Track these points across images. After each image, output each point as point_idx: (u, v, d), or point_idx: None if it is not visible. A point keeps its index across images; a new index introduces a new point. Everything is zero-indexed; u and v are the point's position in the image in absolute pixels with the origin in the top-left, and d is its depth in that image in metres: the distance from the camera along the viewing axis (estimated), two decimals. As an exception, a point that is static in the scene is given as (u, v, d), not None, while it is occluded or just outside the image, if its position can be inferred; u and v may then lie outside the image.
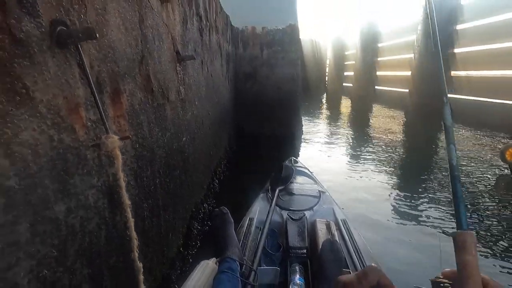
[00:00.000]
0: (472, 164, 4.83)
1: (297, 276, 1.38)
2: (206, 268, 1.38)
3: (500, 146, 5.26)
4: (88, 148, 0.93)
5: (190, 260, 2.14)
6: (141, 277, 1.08)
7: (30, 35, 0.72)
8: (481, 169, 4.61)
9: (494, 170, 4.59)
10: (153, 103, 1.52)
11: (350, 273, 1.33)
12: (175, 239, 1.93)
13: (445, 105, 0.73)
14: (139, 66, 1.34)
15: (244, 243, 1.59)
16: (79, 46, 0.85)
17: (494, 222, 3.01)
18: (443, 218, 3.06)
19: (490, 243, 2.65)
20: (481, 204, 3.48)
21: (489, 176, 4.37)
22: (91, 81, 0.88)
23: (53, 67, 0.79)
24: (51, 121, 0.77)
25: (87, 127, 0.92)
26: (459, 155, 5.30)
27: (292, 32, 6.31)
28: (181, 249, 2.03)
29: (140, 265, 1.07)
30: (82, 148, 0.90)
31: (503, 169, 4.49)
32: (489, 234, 2.80)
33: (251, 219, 1.80)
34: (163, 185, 1.68)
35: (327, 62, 20.76)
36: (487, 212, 3.27)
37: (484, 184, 4.06)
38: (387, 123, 8.57)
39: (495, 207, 3.41)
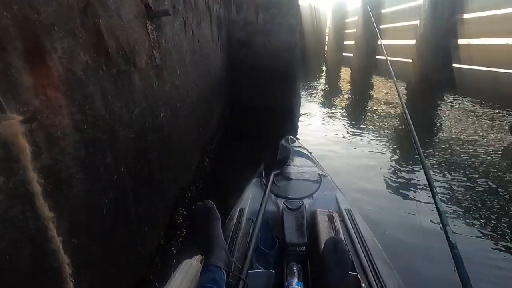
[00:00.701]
0: (476, 139, 4.58)
1: (295, 279, 1.15)
2: (190, 268, 1.16)
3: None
4: (-18, 134, 0.61)
5: (174, 251, 1.91)
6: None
7: None
8: (486, 144, 4.37)
9: (499, 144, 4.36)
10: (111, 70, 1.18)
11: (358, 276, 1.08)
12: (154, 232, 1.67)
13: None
14: (82, 16, 0.98)
15: (233, 239, 1.34)
16: None
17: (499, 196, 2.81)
18: (447, 196, 2.84)
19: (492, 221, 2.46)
20: (486, 177, 3.28)
21: (495, 150, 4.15)
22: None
23: None
24: None
25: (-27, 103, 0.60)
26: (464, 130, 5.02)
27: (290, -7, 5.71)
28: (162, 241, 1.78)
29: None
30: (-34, 136, 0.58)
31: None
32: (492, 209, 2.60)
33: (241, 210, 1.54)
34: (132, 172, 1.38)
35: (327, 30, 19.76)
36: (492, 185, 3.07)
37: (489, 159, 3.84)
38: (387, 96, 8.17)
39: (500, 180, 3.22)
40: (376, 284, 1.11)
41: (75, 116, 0.94)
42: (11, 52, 0.69)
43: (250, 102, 5.95)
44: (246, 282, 1.03)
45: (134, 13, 1.39)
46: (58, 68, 0.85)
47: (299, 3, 6.34)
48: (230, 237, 1.34)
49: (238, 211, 1.53)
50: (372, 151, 4.12)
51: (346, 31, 17.24)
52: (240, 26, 5.74)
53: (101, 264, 1.09)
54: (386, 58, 2.22)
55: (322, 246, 1.24)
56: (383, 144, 4.42)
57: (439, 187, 3.03)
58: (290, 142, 2.48)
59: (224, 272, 1.03)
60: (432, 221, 2.47)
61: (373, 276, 1.14)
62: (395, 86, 1.88)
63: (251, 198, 1.64)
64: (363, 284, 1.08)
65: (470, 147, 4.24)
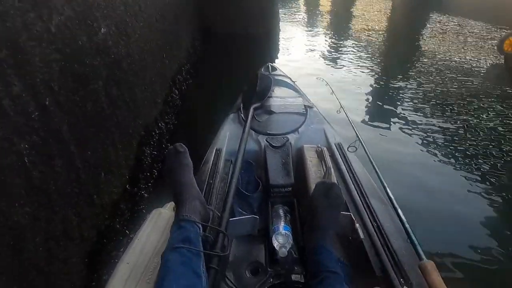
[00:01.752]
0: (465, 56, 4.44)
1: (282, 223, 1.01)
2: (159, 218, 1.00)
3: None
4: None
5: (145, 195, 1.71)
6: None
7: None
8: (473, 61, 4.27)
9: (487, 62, 4.28)
10: None
11: (351, 216, 0.94)
12: (114, 178, 1.42)
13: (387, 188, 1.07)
14: None
15: (210, 184, 1.16)
16: None
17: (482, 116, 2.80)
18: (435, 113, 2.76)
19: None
20: (471, 96, 3.25)
21: (481, 67, 4.09)
22: None
23: None
24: None
25: None
26: (453, 46, 4.79)
27: None
28: (127, 186, 1.55)
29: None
30: None
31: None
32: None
33: (218, 150, 1.33)
34: (66, 107, 1.04)
35: None
36: (476, 105, 3.06)
37: (475, 75, 3.81)
38: (371, 18, 7.55)
39: (484, 98, 3.22)
40: (372, 223, 0.99)
41: None
42: None
43: (224, 27, 5.24)
44: (226, 234, 0.86)
45: None
46: None
47: None
48: (206, 182, 1.15)
49: (214, 152, 1.31)
50: (356, 74, 3.87)
51: None
52: None
53: (31, 227, 0.84)
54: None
55: (311, 185, 1.09)
56: (368, 66, 4.15)
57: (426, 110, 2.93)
58: (270, 70, 2.16)
59: (200, 226, 0.84)
60: (419, 148, 2.41)
61: (368, 215, 1.02)
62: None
63: (228, 136, 1.42)
64: (357, 225, 0.96)
65: (455, 66, 4.12)
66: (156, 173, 1.87)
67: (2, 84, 0.77)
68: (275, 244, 0.91)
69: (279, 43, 5.42)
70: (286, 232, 0.96)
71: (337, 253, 0.87)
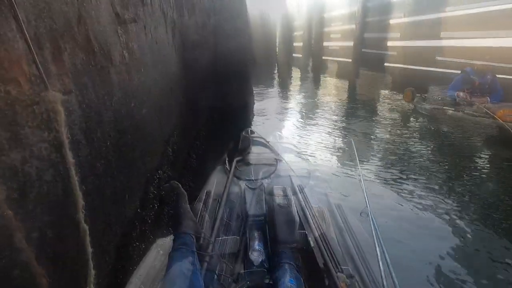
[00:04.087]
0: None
1: (256, 242, 1.48)
2: (163, 245, 1.43)
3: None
4: (36, 102, 0.96)
5: (149, 221, 2.25)
6: (88, 238, 1.12)
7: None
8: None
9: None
10: (96, 65, 1.52)
11: (306, 234, 1.47)
12: (132, 200, 2.01)
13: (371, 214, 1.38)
14: (77, 25, 1.33)
15: (202, 216, 1.62)
16: (12, -2, 0.86)
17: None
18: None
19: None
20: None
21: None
22: (27, 36, 0.90)
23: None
24: (-5, 72, 0.80)
25: (31, 82, 0.95)
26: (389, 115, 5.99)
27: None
28: (138, 210, 2.11)
29: (85, 227, 1.12)
30: (29, 101, 0.93)
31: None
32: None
33: (208, 192, 1.84)
34: (114, 148, 1.72)
35: (277, 33, 20.87)
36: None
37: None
38: (332, 92, 9.16)
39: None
40: (320, 237, 1.47)
41: (78, 98, 1.29)
42: (45, 50, 1.04)
43: (206, 103, 6.32)
44: (213, 243, 1.31)
45: (108, 20, 1.74)
46: (68, 62, 1.20)
47: (249, 8, 6.89)
48: (199, 215, 1.59)
49: (205, 194, 1.80)
50: (320, 141, 4.81)
51: (295, 33, 18.36)
52: (193, 29, 6.09)
53: (96, 211, 1.43)
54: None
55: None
56: (329, 133, 5.15)
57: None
58: (249, 133, 2.92)
59: (194, 237, 1.32)
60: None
61: (318, 232, 1.51)
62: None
63: (216, 182, 1.93)
64: (309, 238, 1.43)
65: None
66: (157, 206, 2.43)
67: (94, 130, 1.46)
68: (252, 257, 1.33)
69: (253, 112, 6.48)
70: (259, 248, 1.40)
71: (294, 258, 1.29)
